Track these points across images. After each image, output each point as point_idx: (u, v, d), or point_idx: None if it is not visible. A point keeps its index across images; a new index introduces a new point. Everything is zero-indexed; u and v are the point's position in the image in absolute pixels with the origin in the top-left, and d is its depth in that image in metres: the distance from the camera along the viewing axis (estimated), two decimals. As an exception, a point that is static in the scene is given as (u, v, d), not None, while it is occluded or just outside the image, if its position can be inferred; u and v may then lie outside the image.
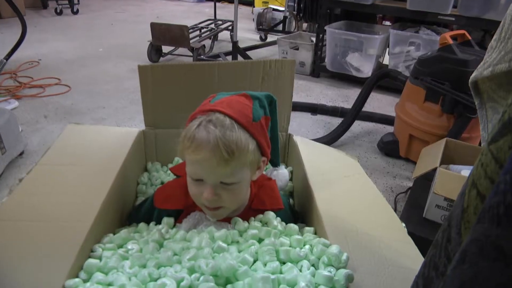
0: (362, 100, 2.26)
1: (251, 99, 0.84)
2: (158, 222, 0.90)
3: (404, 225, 0.90)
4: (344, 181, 0.99)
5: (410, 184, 1.95)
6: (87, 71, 3.20)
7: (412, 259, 0.77)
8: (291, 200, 1.10)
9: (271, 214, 0.87)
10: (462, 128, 1.83)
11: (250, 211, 0.90)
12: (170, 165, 1.17)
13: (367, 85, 2.26)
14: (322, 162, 1.06)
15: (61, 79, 2.94)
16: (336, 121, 2.53)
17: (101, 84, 2.95)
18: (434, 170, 1.53)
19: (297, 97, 2.82)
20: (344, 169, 1.05)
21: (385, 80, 2.29)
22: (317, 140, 2.18)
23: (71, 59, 3.44)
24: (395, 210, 1.74)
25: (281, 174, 1.06)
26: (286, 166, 1.20)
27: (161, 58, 3.49)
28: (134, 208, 1.04)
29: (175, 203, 0.90)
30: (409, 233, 1.45)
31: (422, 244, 1.43)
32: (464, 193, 0.38)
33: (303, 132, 2.37)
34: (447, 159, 1.60)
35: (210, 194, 0.77)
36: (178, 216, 0.92)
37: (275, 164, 1.04)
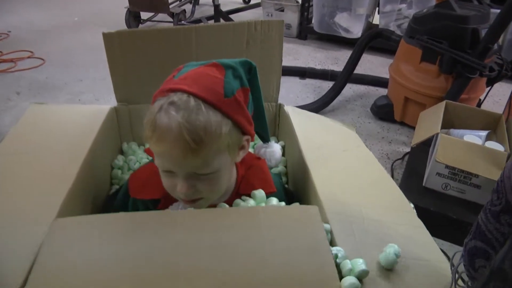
0: (353, 62, 2.13)
1: (223, 69, 0.70)
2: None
3: (412, 205, 0.80)
4: (343, 156, 0.88)
5: (407, 149, 1.86)
6: (62, 42, 3.00)
7: (426, 247, 0.67)
8: (284, 179, 0.99)
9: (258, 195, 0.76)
10: (461, 89, 1.72)
11: (237, 197, 0.79)
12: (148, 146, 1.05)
13: (358, 46, 2.13)
14: (317, 135, 0.95)
15: (34, 51, 2.75)
16: (327, 84, 2.42)
17: (78, 55, 2.77)
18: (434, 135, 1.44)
19: (284, 61, 2.63)
20: (343, 142, 0.94)
21: (377, 40, 2.16)
22: (307, 105, 2.06)
23: (44, 30, 3.24)
24: (392, 178, 1.65)
25: (272, 151, 0.94)
26: (278, 141, 1.09)
27: (140, 25, 3.31)
28: (109, 198, 0.93)
29: (152, 192, 0.79)
30: (409, 204, 1.38)
31: (423, 214, 1.35)
32: None
33: (292, 98, 2.25)
34: (447, 123, 1.50)
35: (184, 188, 0.67)
36: (156, 206, 0.80)
37: (264, 139, 0.92)
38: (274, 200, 0.76)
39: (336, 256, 0.58)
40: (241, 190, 0.80)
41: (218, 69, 0.70)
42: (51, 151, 0.80)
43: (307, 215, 0.62)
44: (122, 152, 1.06)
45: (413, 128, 2.00)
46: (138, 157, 1.02)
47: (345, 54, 2.88)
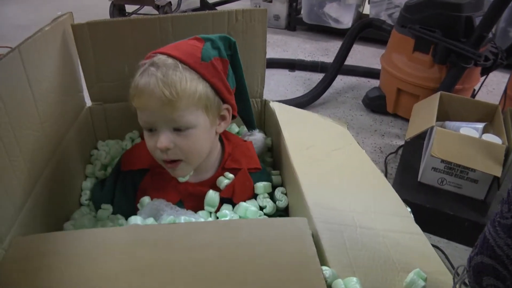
0: (343, 53, 2.06)
1: (203, 40, 0.78)
2: (124, 188, 0.85)
3: (409, 209, 0.74)
4: (333, 156, 0.81)
5: (400, 142, 1.80)
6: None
7: (426, 258, 0.61)
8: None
9: (242, 206, 0.76)
10: (456, 80, 1.66)
11: (223, 172, 0.84)
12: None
13: (349, 37, 2.06)
14: (305, 133, 0.88)
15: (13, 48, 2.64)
16: (317, 77, 2.34)
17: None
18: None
19: (273, 53, 2.61)
20: (333, 140, 0.88)
21: (367, 30, 2.09)
22: (297, 99, 2.00)
23: (24, 25, 3.12)
24: (386, 173, 1.59)
25: (254, 139, 0.93)
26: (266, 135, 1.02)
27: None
28: (96, 186, 0.91)
29: (140, 163, 0.84)
30: (404, 201, 1.32)
31: (418, 211, 1.29)
32: None
33: (281, 91, 2.18)
34: (442, 115, 1.44)
35: (163, 142, 0.72)
36: (143, 177, 0.84)
37: (248, 125, 0.94)
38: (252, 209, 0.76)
39: (326, 277, 0.51)
40: (227, 165, 0.84)
41: (198, 40, 0.78)
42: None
43: (295, 229, 0.56)
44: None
45: (406, 120, 1.94)
46: (111, 151, 0.95)
47: (335, 45, 2.81)
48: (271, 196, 0.83)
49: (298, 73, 2.41)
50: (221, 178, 0.82)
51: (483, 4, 1.70)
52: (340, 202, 0.68)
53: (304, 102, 1.99)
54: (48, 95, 0.75)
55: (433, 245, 1.26)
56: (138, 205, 0.80)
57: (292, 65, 2.42)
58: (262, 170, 0.86)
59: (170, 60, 0.72)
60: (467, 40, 1.61)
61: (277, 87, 2.22)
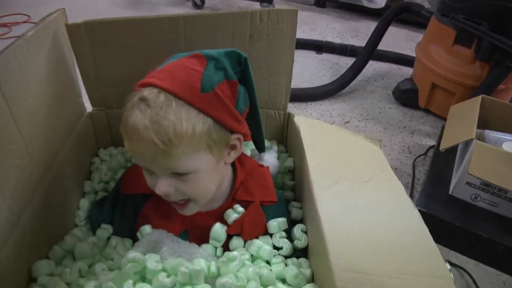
0: (376, 38, 1.90)
1: (205, 60, 0.64)
2: (123, 211, 0.77)
3: (449, 267, 0.63)
4: (363, 190, 0.70)
5: (431, 142, 1.67)
6: (63, 4, 2.76)
7: None
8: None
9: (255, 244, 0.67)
10: (500, 80, 1.50)
11: (233, 203, 0.74)
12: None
13: (383, 21, 1.89)
14: (333, 159, 0.76)
15: (31, 16, 2.51)
16: (345, 61, 2.20)
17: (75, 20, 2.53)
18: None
19: (300, 32, 2.43)
20: (364, 168, 0.76)
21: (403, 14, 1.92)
22: (324, 87, 1.86)
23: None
24: (414, 178, 1.47)
25: (264, 163, 0.83)
26: (286, 150, 0.91)
27: None
28: (94, 206, 0.84)
29: (141, 186, 0.72)
30: (431, 216, 1.20)
31: (446, 229, 1.17)
32: None
33: (306, 76, 2.04)
34: (482, 122, 1.29)
35: (161, 188, 0.63)
36: (146, 201, 0.76)
37: (258, 147, 0.83)
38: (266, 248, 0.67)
39: None
40: (238, 196, 0.74)
41: (200, 60, 0.64)
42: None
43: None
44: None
45: (439, 117, 1.80)
46: (113, 162, 0.85)
47: (366, 26, 2.63)
48: (289, 231, 0.73)
49: (325, 56, 2.26)
50: (229, 211, 0.73)
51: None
52: (368, 259, 0.57)
53: (331, 90, 1.86)
54: (35, 112, 0.65)
55: (459, 267, 1.19)
56: (138, 234, 0.72)
57: (319, 47, 2.27)
58: (277, 203, 0.76)
59: (162, 96, 0.59)
60: (517, 37, 1.44)
61: (302, 70, 2.08)
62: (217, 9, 2.72)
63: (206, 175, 0.66)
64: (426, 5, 2.36)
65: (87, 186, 0.83)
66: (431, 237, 0.65)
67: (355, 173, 0.73)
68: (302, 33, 2.45)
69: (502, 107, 1.37)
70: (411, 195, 1.40)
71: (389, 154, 1.58)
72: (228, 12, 0.73)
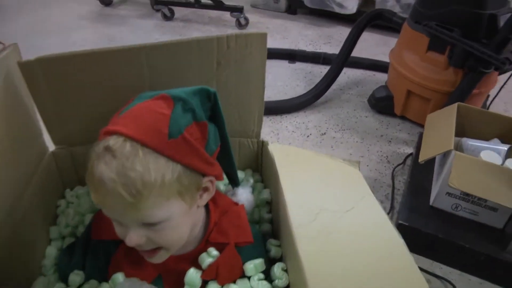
0: (349, 46, 1.88)
1: (172, 102, 0.61)
2: (95, 258, 0.72)
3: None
4: (344, 222, 0.66)
5: (408, 150, 1.65)
6: (25, 20, 2.68)
7: None
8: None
9: None
10: (473, 86, 1.50)
11: (207, 246, 0.70)
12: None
13: (356, 28, 1.87)
14: (312, 188, 0.73)
15: None
16: (319, 69, 2.18)
17: (43, 36, 2.45)
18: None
19: (271, 41, 2.42)
20: (344, 195, 0.73)
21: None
22: (298, 98, 1.83)
23: (2, 4, 2.89)
24: (393, 188, 1.45)
25: (239, 201, 0.78)
26: (262, 179, 0.86)
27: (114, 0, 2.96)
28: (63, 252, 0.78)
29: (112, 232, 0.66)
30: (413, 229, 1.18)
31: (429, 241, 1.15)
32: None
33: (280, 87, 2.01)
34: (458, 130, 1.27)
35: (132, 240, 0.60)
36: (117, 246, 0.71)
37: (232, 181, 0.80)
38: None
39: None
40: (212, 238, 0.71)
41: (166, 102, 0.61)
42: None
43: None
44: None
45: (415, 123, 1.79)
46: (81, 204, 0.80)
47: (338, 32, 2.62)
48: (269, 270, 0.69)
49: (298, 65, 2.23)
50: (203, 255, 0.68)
51: (509, 1, 1.52)
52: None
53: (306, 101, 1.83)
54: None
55: (444, 279, 1.17)
56: (110, 283, 0.68)
57: (292, 55, 2.24)
58: (254, 243, 0.72)
59: (128, 145, 0.56)
60: (489, 42, 1.44)
61: (275, 81, 2.05)
62: (187, 20, 2.67)
63: (179, 222, 0.63)
64: (397, 10, 2.37)
65: (53, 232, 0.78)
66: (417, 269, 0.61)
67: (336, 203, 0.70)
68: (274, 42, 2.42)
69: (478, 114, 1.36)
70: (392, 206, 1.38)
71: (367, 165, 1.56)
72: (193, 39, 0.69)
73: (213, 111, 0.68)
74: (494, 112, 1.37)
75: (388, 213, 1.34)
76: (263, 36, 0.73)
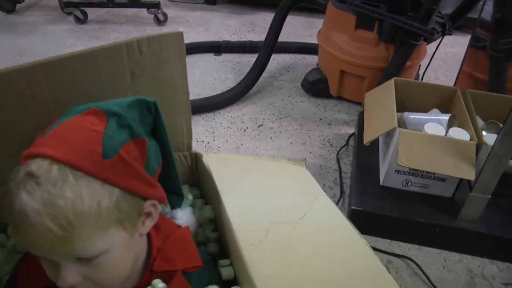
0: (275, 32, 1.82)
1: (105, 116, 0.53)
2: None
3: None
4: (300, 231, 0.59)
5: (349, 130, 1.63)
6: None
7: None
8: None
9: None
10: (406, 58, 1.49)
11: (152, 277, 0.60)
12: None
13: (279, 13, 1.81)
14: (257, 200, 0.65)
15: None
16: (246, 59, 2.10)
17: None
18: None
19: (193, 35, 2.31)
20: (295, 201, 0.65)
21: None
22: (228, 92, 1.74)
23: None
24: (340, 172, 1.41)
25: (179, 222, 0.70)
26: (201, 195, 0.77)
27: (18, 5, 2.68)
28: None
29: (41, 279, 0.56)
30: (368, 213, 1.14)
31: (384, 222, 1.12)
32: None
33: (209, 82, 1.92)
34: (398, 105, 1.24)
35: (67, 280, 0.50)
36: None
37: (174, 203, 0.71)
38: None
39: None
40: (156, 267, 0.61)
41: (98, 117, 0.53)
42: None
43: None
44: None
45: (353, 102, 1.77)
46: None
47: (261, 18, 2.55)
48: None
49: (225, 57, 2.14)
50: None
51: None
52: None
53: (237, 94, 1.75)
54: None
55: (403, 256, 1.15)
56: None
57: (217, 48, 2.15)
58: (204, 267, 0.63)
59: (55, 169, 0.47)
60: (415, 15, 1.42)
61: (203, 77, 1.95)
62: (103, 20, 2.49)
63: (120, 254, 0.54)
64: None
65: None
66: (385, 270, 0.55)
67: (287, 212, 0.62)
68: (196, 36, 2.31)
69: (415, 87, 1.34)
70: (342, 191, 1.34)
71: (310, 152, 1.50)
72: (97, 48, 0.57)
73: (154, 124, 0.60)
74: (430, 83, 1.37)
75: (339, 199, 1.31)
76: (179, 36, 0.63)
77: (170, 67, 0.65)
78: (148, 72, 0.63)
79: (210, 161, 0.70)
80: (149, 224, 0.59)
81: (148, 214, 0.58)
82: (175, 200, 0.69)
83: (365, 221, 1.19)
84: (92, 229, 0.48)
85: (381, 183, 1.24)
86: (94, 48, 0.57)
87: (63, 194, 0.46)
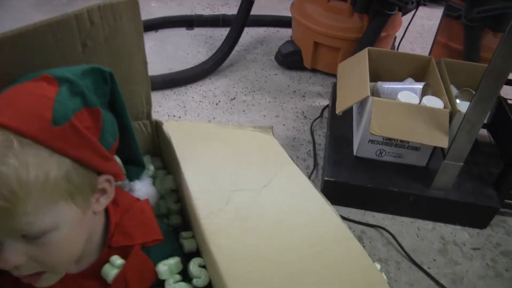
0: (247, 5, 1.76)
1: (57, 82, 0.49)
2: None
3: (379, 267, 0.53)
4: (263, 199, 0.57)
5: (324, 102, 1.61)
6: None
7: None
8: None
9: None
10: (380, 29, 1.46)
11: (111, 253, 0.57)
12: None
13: (252, -15, 1.76)
14: (219, 167, 0.62)
15: None
16: (219, 32, 2.05)
17: None
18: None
19: (165, 10, 2.24)
20: (260, 169, 0.63)
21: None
22: (200, 66, 1.69)
23: None
24: (314, 144, 1.39)
25: (140, 196, 0.66)
26: (167, 172, 0.74)
27: None
28: None
29: None
30: (341, 183, 1.13)
31: (358, 192, 1.10)
32: None
33: (181, 56, 1.86)
34: (372, 74, 1.22)
35: (10, 260, 0.46)
36: None
37: (131, 174, 0.67)
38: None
39: None
40: (114, 243, 0.58)
41: (50, 83, 0.49)
42: None
43: None
44: None
45: (327, 74, 1.75)
46: None
47: (235, -9, 2.49)
48: (185, 270, 0.58)
49: (197, 31, 2.08)
50: (106, 268, 0.55)
51: None
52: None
53: (210, 67, 1.71)
54: None
55: (377, 226, 1.14)
56: None
57: (189, 22, 2.09)
58: (165, 241, 0.60)
59: None
60: (389, -17, 1.39)
61: (175, 51, 1.90)
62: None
63: (70, 233, 0.50)
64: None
65: None
66: (353, 236, 0.54)
67: (250, 180, 0.60)
68: (169, 10, 2.24)
69: (389, 56, 1.32)
70: (315, 163, 1.32)
71: (284, 124, 1.48)
72: (42, 23, 0.52)
73: (111, 96, 0.56)
74: (404, 52, 1.35)
75: (312, 171, 1.29)
76: (133, 4, 0.59)
77: (125, 37, 0.60)
78: (102, 43, 0.58)
79: (171, 128, 0.67)
80: (104, 202, 0.55)
81: (103, 191, 0.55)
82: (134, 170, 0.66)
83: (338, 192, 1.17)
84: (38, 201, 0.45)
85: (354, 153, 1.23)
86: (39, 23, 0.52)
87: (7, 161, 0.43)
